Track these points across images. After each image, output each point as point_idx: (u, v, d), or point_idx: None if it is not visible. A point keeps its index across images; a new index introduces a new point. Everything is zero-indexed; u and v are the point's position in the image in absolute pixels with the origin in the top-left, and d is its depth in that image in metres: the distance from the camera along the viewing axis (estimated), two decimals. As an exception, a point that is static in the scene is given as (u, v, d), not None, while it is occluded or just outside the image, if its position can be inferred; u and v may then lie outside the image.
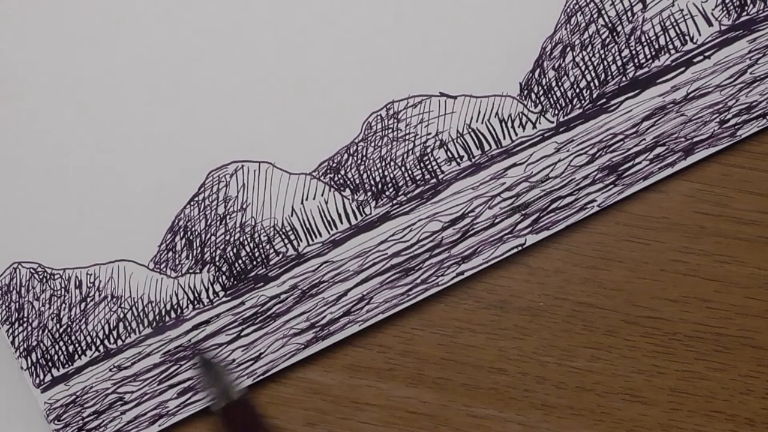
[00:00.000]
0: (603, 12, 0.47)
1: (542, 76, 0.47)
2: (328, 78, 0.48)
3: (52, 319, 0.48)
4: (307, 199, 0.48)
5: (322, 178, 0.48)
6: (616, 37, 0.47)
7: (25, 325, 0.48)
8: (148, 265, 0.48)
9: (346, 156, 0.48)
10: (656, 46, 0.47)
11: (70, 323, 0.48)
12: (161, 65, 0.48)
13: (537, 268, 0.48)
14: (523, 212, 0.47)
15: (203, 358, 0.47)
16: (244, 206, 0.48)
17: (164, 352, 0.48)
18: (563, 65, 0.47)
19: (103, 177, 0.48)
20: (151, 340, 0.48)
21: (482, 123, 0.47)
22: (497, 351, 0.48)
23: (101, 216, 0.48)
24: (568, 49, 0.47)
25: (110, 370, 0.48)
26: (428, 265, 0.47)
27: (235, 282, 0.48)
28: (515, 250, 0.47)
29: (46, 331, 0.48)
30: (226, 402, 0.46)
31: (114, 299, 0.48)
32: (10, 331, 0.48)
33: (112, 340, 0.48)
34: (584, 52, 0.47)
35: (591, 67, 0.47)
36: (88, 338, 0.48)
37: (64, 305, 0.48)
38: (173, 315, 0.48)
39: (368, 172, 0.48)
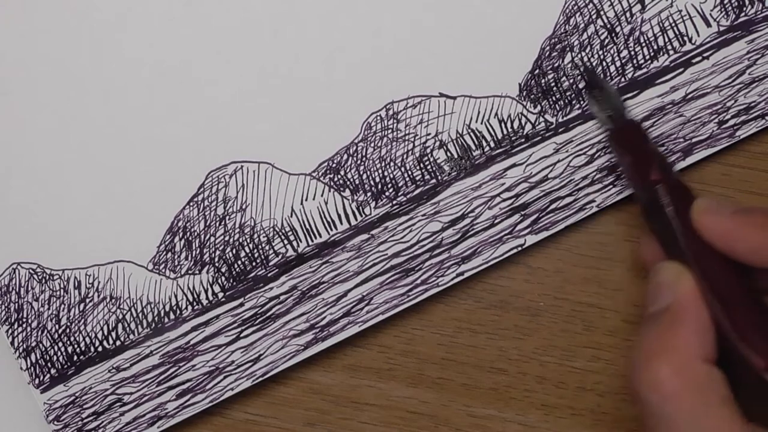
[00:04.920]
0: (602, 13, 0.48)
1: (541, 77, 0.48)
2: (327, 78, 0.48)
3: (52, 320, 0.48)
4: (306, 200, 0.48)
5: (321, 179, 0.48)
6: (614, 38, 0.47)
7: (24, 325, 0.48)
8: (147, 266, 0.48)
9: (345, 156, 0.48)
10: (655, 47, 0.47)
11: (69, 324, 0.48)
12: (160, 65, 0.48)
13: (537, 268, 0.48)
14: (523, 213, 0.47)
15: (594, 79, 0.46)
16: (244, 207, 0.48)
17: (163, 354, 0.48)
18: (562, 66, 0.48)
19: (102, 177, 0.48)
20: (151, 341, 0.48)
21: (481, 123, 0.47)
22: (497, 351, 0.48)
23: (100, 217, 0.48)
24: (567, 49, 0.47)
25: (109, 371, 0.48)
26: (428, 266, 0.47)
27: (235, 283, 0.48)
28: (515, 251, 0.47)
29: (46, 331, 0.48)
30: (617, 124, 0.44)
31: (113, 300, 0.48)
32: (10, 331, 0.48)
33: (111, 341, 0.48)
34: (583, 53, 0.48)
35: (590, 68, 0.48)
36: (87, 339, 0.48)
37: (63, 306, 0.48)
38: (172, 316, 0.48)
39: (368, 172, 0.48)
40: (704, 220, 0.39)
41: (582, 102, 0.47)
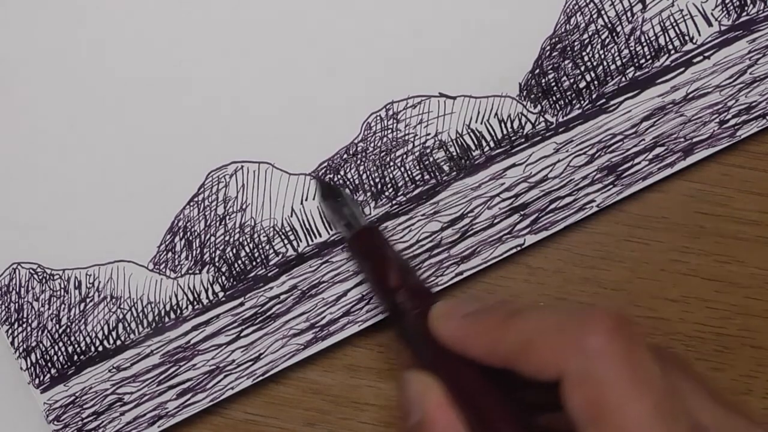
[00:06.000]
0: (602, 12, 0.47)
1: (542, 77, 0.47)
2: (327, 78, 0.48)
3: (52, 320, 0.48)
4: (306, 200, 0.48)
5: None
6: (615, 38, 0.47)
7: (24, 325, 0.48)
8: (148, 265, 0.48)
9: (345, 156, 0.48)
10: (656, 47, 0.47)
11: (69, 324, 0.48)
12: (161, 65, 0.48)
13: (537, 268, 0.48)
14: (522, 213, 0.47)
15: (327, 188, 0.46)
16: (244, 207, 0.48)
17: (164, 353, 0.48)
18: (563, 66, 0.47)
19: (102, 177, 0.48)
20: (151, 340, 0.48)
21: (481, 123, 0.47)
22: (497, 351, 0.47)
23: (100, 216, 0.48)
24: (568, 49, 0.47)
25: (109, 370, 0.48)
26: (427, 266, 0.47)
27: (235, 282, 0.48)
28: (514, 251, 0.47)
29: (46, 331, 0.48)
30: (354, 230, 0.45)
31: (113, 300, 0.48)
32: (10, 331, 0.48)
33: (111, 341, 0.48)
34: (584, 53, 0.47)
35: (590, 68, 0.47)
36: (88, 339, 0.48)
37: (63, 306, 0.48)
38: (173, 316, 0.48)
39: (368, 172, 0.48)
40: (439, 326, 0.38)
41: (582, 101, 0.47)
